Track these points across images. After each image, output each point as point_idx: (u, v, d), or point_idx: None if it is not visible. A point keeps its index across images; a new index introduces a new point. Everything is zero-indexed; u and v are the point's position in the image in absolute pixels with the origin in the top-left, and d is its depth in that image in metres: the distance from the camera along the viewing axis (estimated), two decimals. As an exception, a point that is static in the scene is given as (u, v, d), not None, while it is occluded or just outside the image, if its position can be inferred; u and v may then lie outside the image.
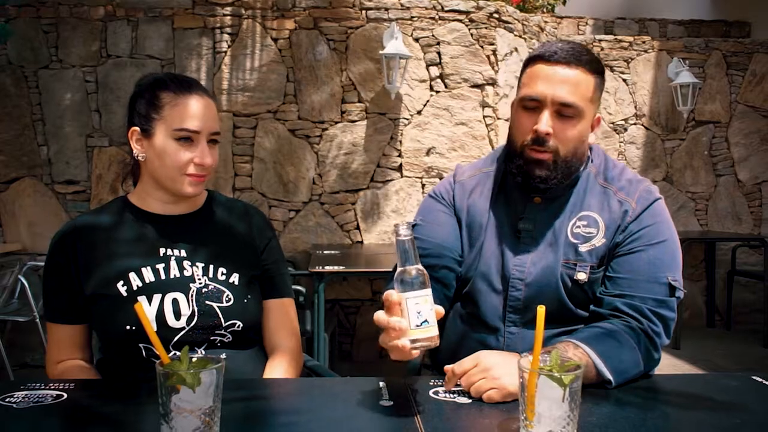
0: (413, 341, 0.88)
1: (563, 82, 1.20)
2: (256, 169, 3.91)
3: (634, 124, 4.98)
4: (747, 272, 4.76)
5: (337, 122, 3.93)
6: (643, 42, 5.00)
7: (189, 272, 1.27)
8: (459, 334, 1.36)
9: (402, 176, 3.96)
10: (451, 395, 1.02)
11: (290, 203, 3.94)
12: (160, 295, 1.23)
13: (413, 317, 0.87)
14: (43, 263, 3.89)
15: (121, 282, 1.23)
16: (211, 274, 1.29)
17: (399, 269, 0.91)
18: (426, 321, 0.88)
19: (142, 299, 1.21)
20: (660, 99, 4.97)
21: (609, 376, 1.07)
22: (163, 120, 1.24)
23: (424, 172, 3.96)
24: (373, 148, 3.94)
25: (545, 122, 1.21)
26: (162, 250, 1.28)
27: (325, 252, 3.47)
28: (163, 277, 1.25)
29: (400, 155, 3.96)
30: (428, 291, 0.89)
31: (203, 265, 1.29)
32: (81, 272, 1.25)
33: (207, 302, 1.26)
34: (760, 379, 1.13)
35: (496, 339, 1.30)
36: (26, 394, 1.00)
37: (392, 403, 0.98)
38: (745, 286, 4.87)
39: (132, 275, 1.24)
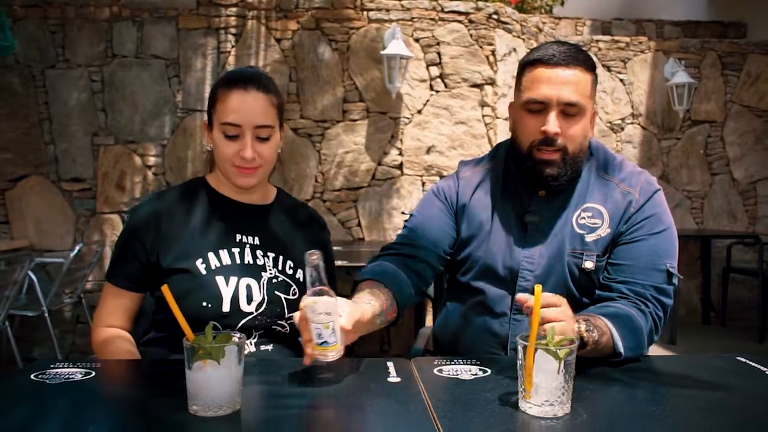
0: (316, 355, 1.02)
1: (566, 83, 1.27)
2: (259, 167, 3.97)
3: (631, 123, 5.05)
4: (742, 269, 4.83)
5: (338, 121, 3.99)
6: (640, 42, 5.07)
7: (261, 261, 1.34)
8: (462, 319, 1.44)
9: (402, 174, 4.03)
10: (454, 372, 1.09)
11: (293, 201, 3.99)
12: (236, 278, 1.29)
13: (315, 338, 1.00)
14: (50, 260, 3.94)
15: (200, 260, 1.28)
16: (280, 266, 1.36)
17: (309, 291, 1.02)
18: (326, 342, 1.00)
19: (220, 279, 1.27)
20: (656, 99, 5.04)
21: (623, 353, 1.15)
22: (216, 114, 1.31)
23: (425, 171, 4.03)
24: (374, 146, 4.01)
25: (553, 123, 1.28)
26: (238, 236, 1.35)
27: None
28: (238, 261, 1.31)
29: (400, 154, 4.03)
30: (331, 318, 1.00)
31: (273, 256, 1.36)
32: (160, 244, 1.30)
33: (276, 292, 1.32)
34: (744, 360, 1.20)
35: (500, 324, 1.37)
36: (57, 372, 1.06)
37: (400, 379, 1.04)
38: (740, 283, 4.95)
39: (210, 255, 1.30)
